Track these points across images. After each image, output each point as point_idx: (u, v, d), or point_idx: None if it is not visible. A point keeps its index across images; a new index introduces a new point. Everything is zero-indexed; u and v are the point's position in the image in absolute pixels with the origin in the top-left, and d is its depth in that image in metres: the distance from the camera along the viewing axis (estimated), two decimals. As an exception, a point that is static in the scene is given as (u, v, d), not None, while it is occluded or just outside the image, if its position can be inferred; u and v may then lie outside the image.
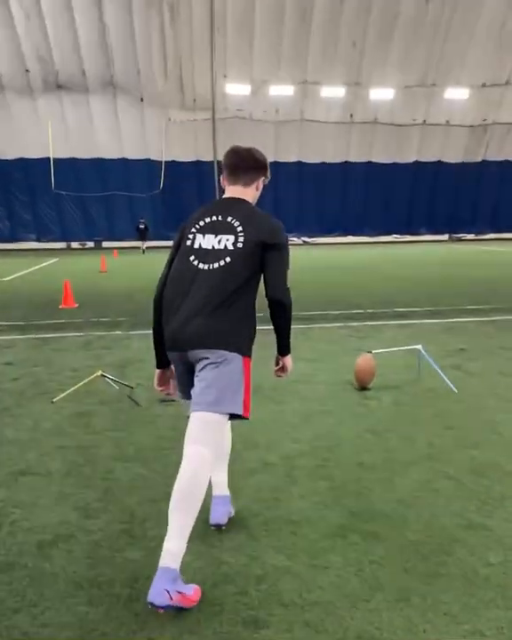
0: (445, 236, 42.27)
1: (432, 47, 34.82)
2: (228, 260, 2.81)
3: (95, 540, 3.05)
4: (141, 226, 32.88)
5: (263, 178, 3.08)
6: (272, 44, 32.82)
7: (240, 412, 2.85)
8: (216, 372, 2.79)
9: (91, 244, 38.04)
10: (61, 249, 36.42)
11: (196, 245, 2.89)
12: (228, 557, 2.88)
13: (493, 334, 8.27)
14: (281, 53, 33.46)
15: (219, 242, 2.85)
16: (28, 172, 35.93)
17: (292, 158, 37.31)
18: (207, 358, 2.80)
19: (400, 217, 40.96)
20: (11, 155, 35.63)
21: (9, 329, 9.40)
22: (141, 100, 35.12)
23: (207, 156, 37.38)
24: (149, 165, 37.00)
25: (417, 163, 40.08)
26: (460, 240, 41.80)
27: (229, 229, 2.86)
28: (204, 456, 2.88)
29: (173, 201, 37.67)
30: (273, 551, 2.92)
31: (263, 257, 2.84)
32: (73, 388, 5.43)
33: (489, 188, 41.17)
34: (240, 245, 2.82)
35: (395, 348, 6.25)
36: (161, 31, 32.16)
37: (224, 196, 3.06)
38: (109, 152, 36.25)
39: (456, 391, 5.45)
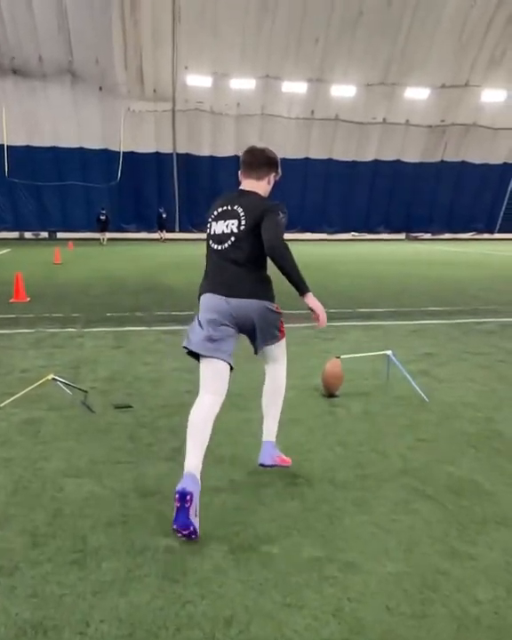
0: (402, 235, 42.55)
1: (394, 47, 34.88)
2: (232, 239, 3.43)
3: (42, 574, 2.72)
4: (102, 217, 32.49)
5: (274, 174, 3.64)
6: (234, 36, 32.38)
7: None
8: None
9: (45, 235, 37.08)
10: (14, 239, 35.38)
11: (212, 231, 3.54)
12: (192, 594, 2.58)
13: (459, 338, 8.14)
14: (243, 46, 33.06)
15: (226, 226, 3.47)
16: (-20, 158, 34.78)
17: (253, 153, 36.90)
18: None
19: (359, 215, 41.05)
20: (-37, 140, 34.43)
21: (-45, 324, 8.90)
22: (100, 88, 34.31)
23: (167, 148, 36.82)
24: (107, 155, 36.23)
25: (376, 161, 40.19)
26: (416, 239, 42.13)
27: (234, 216, 3.45)
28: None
29: (131, 192, 37.02)
30: (242, 586, 2.63)
31: (260, 226, 3.37)
32: (22, 393, 5.05)
33: (446, 188, 41.56)
34: (242, 228, 3.40)
35: (365, 354, 6.01)
36: (121, 19, 31.42)
37: (239, 188, 3.61)
38: (66, 141, 35.34)
39: (427, 400, 5.25)
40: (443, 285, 13.96)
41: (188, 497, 3.02)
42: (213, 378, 3.47)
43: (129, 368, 6.38)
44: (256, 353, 3.76)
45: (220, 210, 3.54)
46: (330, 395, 5.38)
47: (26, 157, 34.76)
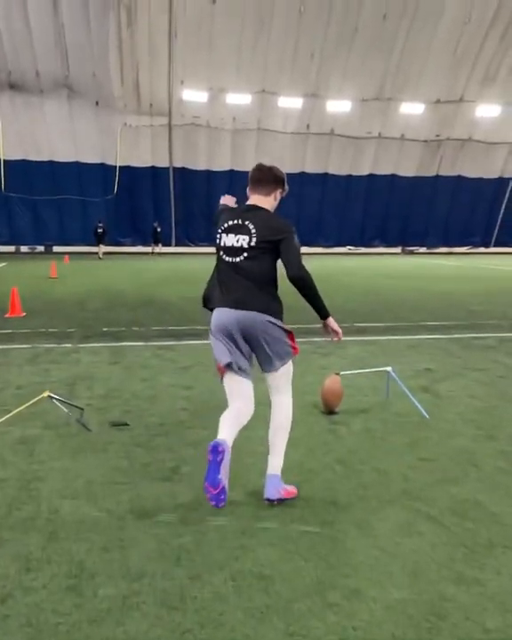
0: (398, 249, 42.61)
1: (389, 62, 35.10)
2: (244, 255, 3.61)
3: (36, 602, 2.63)
4: (100, 230, 32.54)
5: (280, 190, 3.82)
6: (230, 51, 32.53)
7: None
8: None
9: (41, 249, 36.98)
10: (9, 253, 35.25)
11: (222, 243, 3.70)
12: (191, 623, 2.50)
13: (458, 353, 8.08)
14: (239, 62, 33.21)
15: (237, 241, 3.63)
16: (-24, 173, 34.77)
17: (249, 167, 36.67)
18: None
19: (354, 228, 41.10)
20: (-41, 154, 34.44)
21: (-51, 339, 8.81)
22: (97, 103, 34.37)
23: (163, 162, 36.85)
24: (104, 170, 36.21)
25: (372, 175, 40.31)
26: (412, 253, 42.19)
27: (246, 231, 3.62)
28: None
29: (127, 206, 36.98)
30: (243, 614, 2.55)
31: (277, 248, 3.57)
32: (16, 411, 4.97)
33: (441, 202, 41.68)
34: (253, 244, 3.58)
35: (365, 370, 5.95)
36: (118, 34, 31.52)
37: (247, 203, 3.77)
38: (63, 155, 35.32)
39: (428, 417, 5.19)
40: (440, 300, 13.93)
41: (220, 448, 3.25)
42: (238, 391, 3.77)
43: (125, 384, 6.31)
44: (264, 370, 3.79)
45: (230, 223, 3.69)
46: (329, 412, 5.31)
47: (22, 171, 34.72)
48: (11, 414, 4.95)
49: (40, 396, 5.00)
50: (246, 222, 3.63)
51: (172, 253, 36.45)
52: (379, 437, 4.77)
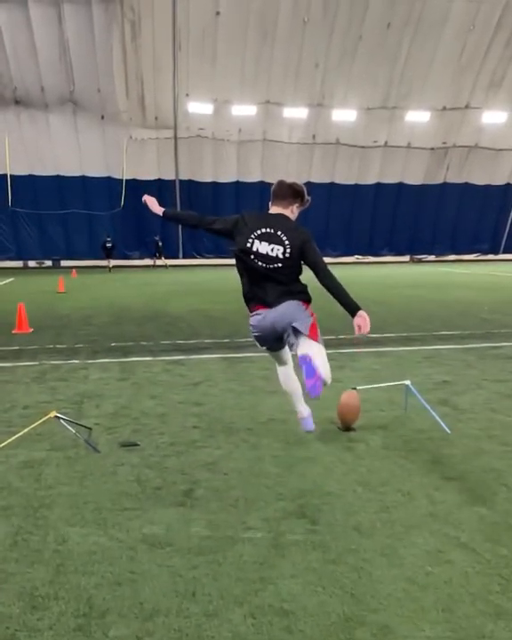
0: (407, 258, 42.40)
1: (393, 70, 35.06)
2: (279, 264, 4.25)
3: (42, 646, 2.45)
4: (108, 244, 32.90)
5: (298, 204, 4.41)
6: (234, 63, 32.57)
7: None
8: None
9: (48, 263, 37.04)
10: (17, 268, 35.30)
11: (254, 249, 4.25)
12: (209, 668, 2.31)
13: (475, 364, 7.87)
14: (244, 73, 33.23)
15: (271, 250, 4.24)
16: (-17, 188, 34.88)
17: (255, 178, 37.00)
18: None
19: (362, 238, 40.94)
20: (-35, 171, 34.57)
21: (-45, 357, 8.67)
22: (102, 117, 34.46)
23: (169, 175, 36.88)
24: (110, 183, 36.27)
25: (379, 184, 40.19)
26: (420, 261, 41.97)
27: (279, 242, 4.23)
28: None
29: (134, 219, 36.97)
30: (265, 657, 2.36)
31: (302, 252, 4.24)
32: (22, 432, 4.79)
33: (449, 210, 41.49)
34: (288, 254, 4.23)
35: (383, 385, 5.75)
36: (122, 48, 31.63)
37: (271, 211, 4.42)
38: (69, 169, 35.44)
39: (450, 432, 4.98)
40: (452, 308, 13.71)
41: (307, 358, 4.14)
42: (278, 357, 4.77)
43: (134, 402, 6.13)
44: (293, 342, 4.33)
45: (262, 230, 4.25)
46: (346, 428, 5.11)
47: (28, 186, 34.82)
48: (17, 436, 4.78)
49: (47, 417, 4.83)
50: (278, 232, 4.24)
51: (179, 266, 36.40)
52: (400, 455, 4.56)
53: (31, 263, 36.90)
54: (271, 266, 4.24)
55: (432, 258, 42.54)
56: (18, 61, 31.49)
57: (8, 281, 25.16)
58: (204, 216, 4.61)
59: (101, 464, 4.43)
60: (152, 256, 36.23)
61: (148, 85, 33.61)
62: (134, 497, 3.86)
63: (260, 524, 3.48)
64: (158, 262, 35.59)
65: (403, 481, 4.07)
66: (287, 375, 4.78)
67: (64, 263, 36.40)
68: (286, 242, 4.20)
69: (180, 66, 32.58)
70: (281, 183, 4.40)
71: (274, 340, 4.52)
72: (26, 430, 4.80)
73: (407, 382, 5.29)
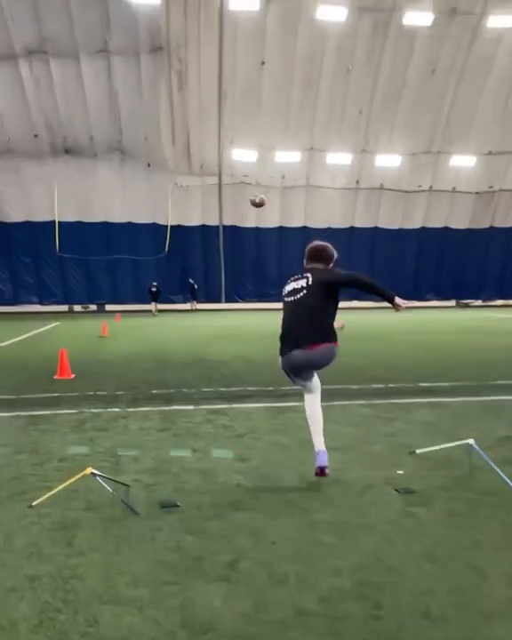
0: (453, 302, 41.67)
1: (438, 115, 35.06)
2: (302, 293, 4.99)
3: None
4: (153, 289, 33.56)
5: (331, 265, 5.21)
6: (279, 110, 33.00)
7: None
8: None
9: (93, 307, 37.48)
10: (63, 312, 35.77)
11: (285, 292, 5.19)
12: None
13: (538, 417, 7.33)
14: (288, 120, 33.62)
15: (297, 283, 5.07)
16: (33, 234, 35.73)
17: (298, 223, 37.09)
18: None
19: (407, 282, 40.40)
20: (17, 218, 35.53)
21: (-4, 404, 8.49)
22: (148, 165, 35.16)
23: (213, 221, 37.23)
24: (155, 229, 36.79)
25: (423, 229, 39.85)
26: (467, 306, 41.15)
27: (304, 278, 5.05)
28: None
29: (178, 265, 37.36)
30: None
31: (331, 284, 4.98)
32: (57, 489, 4.49)
33: (496, 254, 40.82)
34: (310, 284, 4.95)
35: (444, 446, 5.30)
36: (169, 98, 32.38)
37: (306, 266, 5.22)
38: (115, 216, 36.15)
39: (520, 497, 4.51)
40: (507, 356, 13.13)
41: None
42: (305, 386, 5.19)
43: (175, 456, 5.79)
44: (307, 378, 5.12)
45: (292, 279, 5.20)
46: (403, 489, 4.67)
47: (76, 233, 35.53)
48: (51, 493, 4.48)
49: (82, 474, 4.52)
50: (306, 273, 5.09)
51: (219, 310, 36.38)
52: (467, 523, 4.10)
53: (76, 307, 37.36)
54: (297, 296, 4.98)
55: (479, 303, 41.73)
56: (69, 113, 32.48)
57: (53, 325, 25.36)
58: None
59: (139, 528, 4.08)
60: (190, 299, 36.52)
61: (193, 133, 34.23)
62: (173, 568, 3.49)
63: (314, 606, 3.07)
64: (195, 306, 35.87)
65: (473, 555, 3.62)
66: (314, 406, 5.10)
67: (109, 307, 36.75)
68: (310, 276, 5.00)
69: (225, 114, 33.15)
70: (316, 247, 5.18)
71: (302, 373, 5.07)
72: (61, 487, 4.50)
73: (470, 441, 4.85)
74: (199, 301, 36.78)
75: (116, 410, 8.00)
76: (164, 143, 34.24)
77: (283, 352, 5.04)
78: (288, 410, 7.74)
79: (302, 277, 5.04)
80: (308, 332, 4.87)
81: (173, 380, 10.44)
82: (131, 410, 7.99)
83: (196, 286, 36.03)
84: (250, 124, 33.53)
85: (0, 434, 6.79)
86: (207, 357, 13.43)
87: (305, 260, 5.20)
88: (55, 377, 10.77)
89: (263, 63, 31.11)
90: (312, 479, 5.03)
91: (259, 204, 6.38)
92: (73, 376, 10.85)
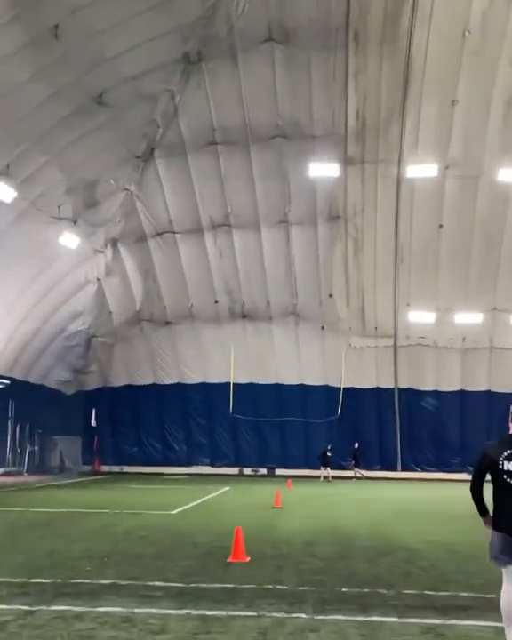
0: None
1: None
2: None
3: None
4: (329, 453, 32.25)
5: None
6: (459, 271, 32.10)
7: None
8: None
9: (263, 471, 36.55)
10: (233, 475, 35.08)
11: (504, 468, 4.81)
12: None
13: None
14: (468, 281, 32.50)
15: None
16: (208, 395, 36.41)
17: (482, 387, 34.70)
18: None
19: None
20: (194, 379, 36.58)
21: (163, 596, 7.38)
22: (322, 328, 35.24)
23: (387, 383, 35.90)
24: (327, 392, 36.07)
25: None
26: None
27: None
28: None
29: (350, 428, 35.94)
30: None
31: None
32: None
33: None
34: None
35: None
36: (344, 262, 32.80)
37: (509, 433, 4.98)
38: (288, 378, 36.10)
39: None
40: None
41: None
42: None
43: None
44: None
45: (508, 452, 4.79)
46: None
47: (248, 394, 35.67)
48: None
49: None
50: None
51: (396, 479, 33.88)
52: None
53: (246, 470, 36.67)
54: None
55: None
56: (248, 279, 33.87)
57: (224, 490, 24.53)
58: (476, 481, 5.03)
59: None
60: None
61: (368, 297, 34.11)
62: None
63: None
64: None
65: None
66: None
67: (278, 471, 35.69)
68: None
69: (401, 277, 32.85)
70: None
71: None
72: None
73: None
74: (371, 468, 34.44)
75: (303, 616, 6.58)
76: (338, 307, 34.36)
77: (501, 529, 4.80)
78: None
79: None
80: None
81: (364, 573, 8.85)
82: (320, 617, 6.53)
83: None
84: (427, 287, 32.86)
85: (168, 644, 5.61)
86: (396, 542, 11.66)
87: (509, 421, 5.01)
88: (228, 560, 9.57)
89: (441, 226, 30.91)
90: None
91: None
92: (248, 559, 9.59)
